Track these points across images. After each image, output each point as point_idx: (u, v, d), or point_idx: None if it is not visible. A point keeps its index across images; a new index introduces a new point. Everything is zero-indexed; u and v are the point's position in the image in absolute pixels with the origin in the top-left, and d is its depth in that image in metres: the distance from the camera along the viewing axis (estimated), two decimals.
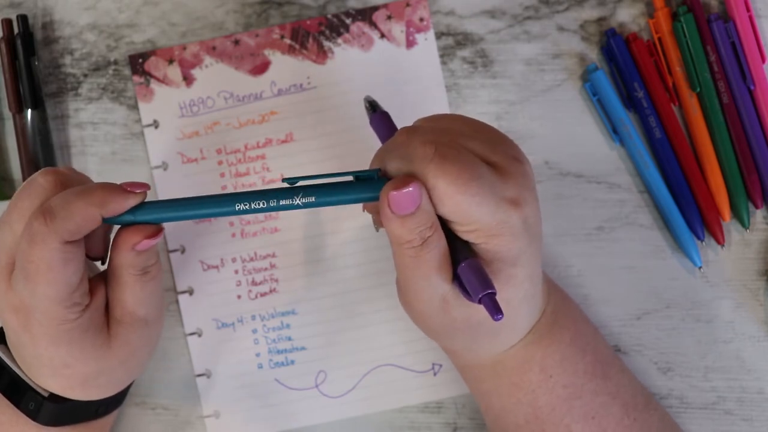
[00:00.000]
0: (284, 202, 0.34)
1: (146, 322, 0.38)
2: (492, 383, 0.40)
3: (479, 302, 0.32)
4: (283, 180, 0.35)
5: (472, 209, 0.32)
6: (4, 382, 0.38)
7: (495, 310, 0.31)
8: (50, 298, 0.34)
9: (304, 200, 0.34)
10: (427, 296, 0.35)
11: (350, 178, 0.34)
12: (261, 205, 0.34)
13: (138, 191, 0.35)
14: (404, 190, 0.32)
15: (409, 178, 0.32)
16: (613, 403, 0.39)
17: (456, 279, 0.34)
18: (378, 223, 0.38)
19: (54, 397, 0.38)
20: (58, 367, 0.37)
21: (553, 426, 0.39)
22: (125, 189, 0.34)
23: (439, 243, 0.33)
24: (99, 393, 0.39)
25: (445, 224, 0.34)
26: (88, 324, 0.36)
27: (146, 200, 0.35)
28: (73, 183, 0.36)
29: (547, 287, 0.40)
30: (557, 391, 0.38)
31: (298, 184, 0.34)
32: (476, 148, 0.34)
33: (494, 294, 0.32)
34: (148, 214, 0.35)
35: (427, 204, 0.33)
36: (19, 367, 0.38)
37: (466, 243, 0.34)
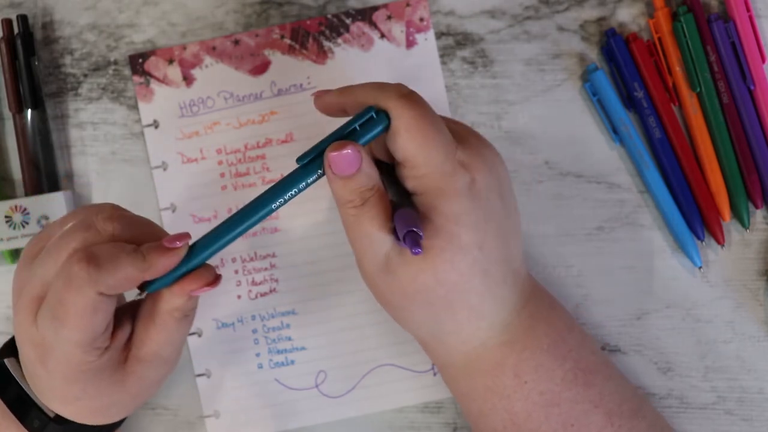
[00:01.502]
0: (311, 180, 0.35)
1: (167, 361, 0.38)
2: (467, 385, 0.39)
3: (403, 240, 0.33)
4: (298, 161, 0.36)
5: (424, 151, 0.34)
6: (10, 396, 0.38)
7: (413, 244, 0.32)
8: (73, 343, 0.34)
9: (321, 170, 0.36)
10: (371, 255, 0.36)
11: (351, 129, 0.35)
12: (294, 192, 0.35)
13: (179, 245, 0.35)
14: (344, 152, 0.34)
15: (348, 142, 0.34)
16: (595, 411, 0.38)
17: (393, 230, 0.35)
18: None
19: (60, 419, 0.38)
20: (69, 399, 0.36)
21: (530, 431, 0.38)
22: (166, 248, 0.34)
23: (380, 202, 0.35)
24: (107, 419, 0.39)
25: (392, 184, 0.36)
26: (106, 364, 0.36)
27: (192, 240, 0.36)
28: (132, 228, 0.35)
29: (531, 291, 0.39)
30: (533, 398, 0.38)
31: (309, 159, 0.35)
32: (443, 117, 0.36)
33: (416, 233, 0.32)
34: (198, 256, 0.35)
35: (368, 166, 0.34)
36: (28, 385, 0.38)
37: (409, 201, 0.35)
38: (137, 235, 0.35)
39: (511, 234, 0.37)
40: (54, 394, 0.37)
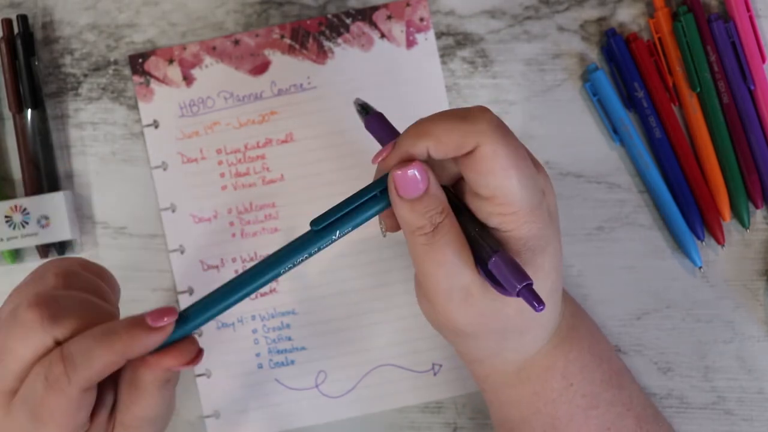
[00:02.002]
0: (325, 244, 0.33)
1: (155, 421, 0.35)
2: (514, 392, 0.39)
3: (517, 295, 0.30)
4: (312, 224, 0.33)
5: (520, 186, 0.31)
6: None
7: (536, 300, 0.30)
8: (53, 424, 0.32)
9: (339, 233, 0.33)
10: (446, 287, 0.33)
11: (372, 193, 0.33)
12: (305, 257, 0.33)
13: (164, 323, 0.32)
14: (409, 171, 0.31)
15: (413, 161, 0.32)
16: (628, 415, 0.38)
17: (482, 271, 0.33)
18: (385, 227, 0.37)
19: None
20: None
21: None
22: (149, 326, 0.32)
23: (452, 229, 0.32)
24: None
25: (463, 213, 0.33)
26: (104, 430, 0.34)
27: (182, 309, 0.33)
28: (79, 282, 0.34)
29: (565, 293, 0.40)
30: (576, 401, 0.38)
31: (326, 223, 0.33)
32: None
33: (531, 284, 0.30)
34: (185, 326, 0.33)
35: (436, 188, 0.32)
36: None
37: (488, 233, 0.33)
38: (85, 282, 0.34)
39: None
40: None
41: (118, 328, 0.32)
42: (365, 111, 0.39)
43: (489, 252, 0.32)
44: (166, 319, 0.32)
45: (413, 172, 0.31)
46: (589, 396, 0.38)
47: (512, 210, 0.31)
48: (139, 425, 0.35)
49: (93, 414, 0.34)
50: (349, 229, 0.33)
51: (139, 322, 0.32)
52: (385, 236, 0.38)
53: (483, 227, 0.33)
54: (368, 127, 0.39)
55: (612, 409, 0.38)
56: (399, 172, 0.31)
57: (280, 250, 0.33)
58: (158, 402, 0.34)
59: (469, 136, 0.31)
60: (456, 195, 0.34)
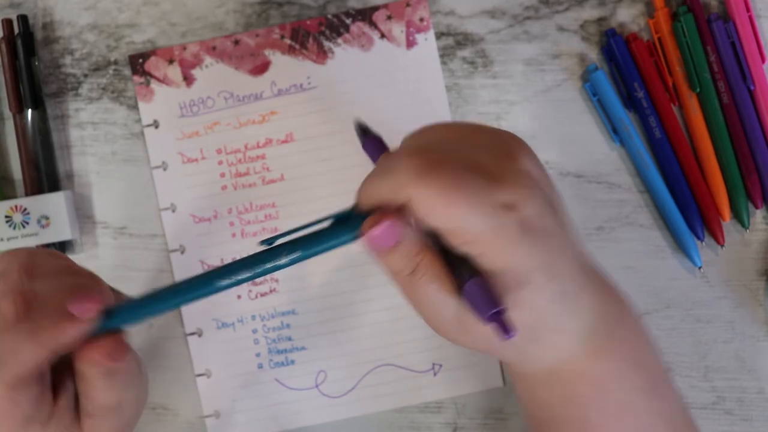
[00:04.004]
0: (269, 265, 0.33)
1: (120, 408, 0.36)
2: (545, 394, 0.37)
3: (488, 321, 0.30)
4: (261, 243, 0.33)
5: (461, 219, 0.31)
6: None
7: (504, 330, 0.30)
8: (7, 427, 0.32)
9: (288, 258, 0.33)
10: (440, 318, 0.34)
11: (327, 223, 0.34)
12: (246, 275, 0.32)
13: (86, 313, 0.32)
14: (378, 231, 0.32)
15: (382, 215, 0.32)
16: (663, 426, 0.37)
17: (466, 299, 0.33)
18: None
19: None
20: None
21: None
22: (73, 317, 0.32)
23: (431, 265, 0.33)
24: None
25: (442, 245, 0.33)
26: (63, 421, 0.34)
27: (123, 301, 0.33)
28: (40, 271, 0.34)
29: (603, 288, 0.37)
30: (610, 408, 0.36)
31: (277, 242, 0.33)
32: (464, 155, 0.33)
33: (502, 312, 0.30)
34: (120, 318, 0.33)
35: (408, 234, 0.32)
36: None
37: (466, 259, 0.33)
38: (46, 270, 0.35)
39: (572, 231, 0.35)
40: None
41: (44, 322, 0.32)
42: (364, 132, 0.39)
43: (465, 279, 0.32)
44: (88, 305, 0.32)
45: (381, 230, 0.32)
46: (624, 403, 0.36)
47: (467, 239, 0.31)
48: (102, 413, 0.35)
49: (56, 400, 0.34)
50: (299, 254, 0.33)
51: (63, 313, 0.32)
52: None
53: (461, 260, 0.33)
54: (365, 148, 0.39)
55: (646, 419, 0.37)
56: (371, 234, 0.32)
57: (224, 265, 0.33)
58: (110, 392, 0.34)
59: (395, 195, 0.31)
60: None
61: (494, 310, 0.30)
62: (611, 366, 0.36)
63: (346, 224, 0.33)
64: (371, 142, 0.38)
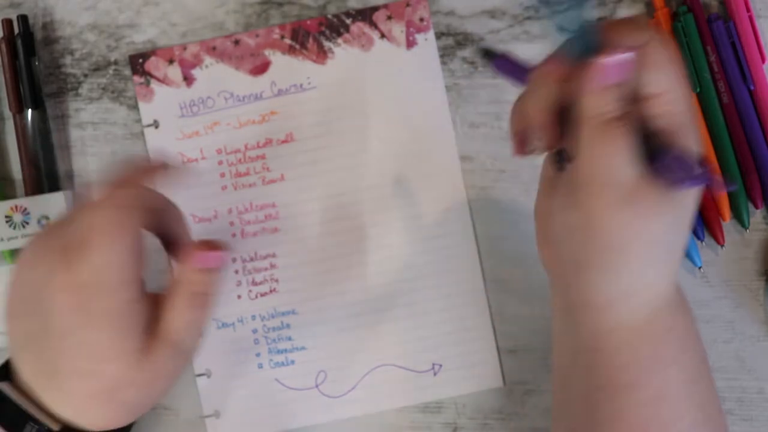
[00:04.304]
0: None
1: (181, 351, 0.38)
2: (630, 354, 0.36)
3: (691, 182, 0.31)
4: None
5: (681, 85, 0.33)
6: (8, 419, 0.37)
7: (718, 181, 0.31)
8: (115, 268, 0.35)
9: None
10: (614, 183, 0.32)
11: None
12: None
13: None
14: (620, 59, 0.32)
15: (626, 48, 0.32)
16: (715, 399, 0.38)
17: (657, 167, 0.32)
18: (519, 150, 0.37)
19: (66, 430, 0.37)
20: (95, 362, 0.36)
21: (671, 409, 0.36)
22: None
23: (632, 121, 0.32)
24: (116, 414, 0.38)
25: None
26: (138, 319, 0.36)
27: None
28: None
29: None
30: (688, 371, 0.36)
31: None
32: None
33: (708, 170, 0.31)
34: None
35: (633, 79, 0.32)
36: (31, 402, 0.37)
37: (655, 135, 0.33)
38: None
39: None
40: (78, 356, 0.36)
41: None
42: (493, 55, 0.39)
43: (661, 148, 0.32)
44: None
45: (621, 60, 0.32)
46: (695, 370, 0.37)
47: (675, 97, 0.33)
48: (169, 343, 0.37)
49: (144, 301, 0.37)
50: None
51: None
52: (562, 169, 0.37)
53: (652, 129, 0.33)
54: (500, 69, 0.39)
55: (707, 390, 0.37)
56: (609, 59, 0.32)
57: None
58: (188, 320, 0.38)
59: (650, 36, 0.33)
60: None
61: (701, 170, 0.31)
62: (690, 326, 0.37)
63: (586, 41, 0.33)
64: (500, 62, 0.39)
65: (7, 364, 0.39)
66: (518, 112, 0.37)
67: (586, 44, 0.33)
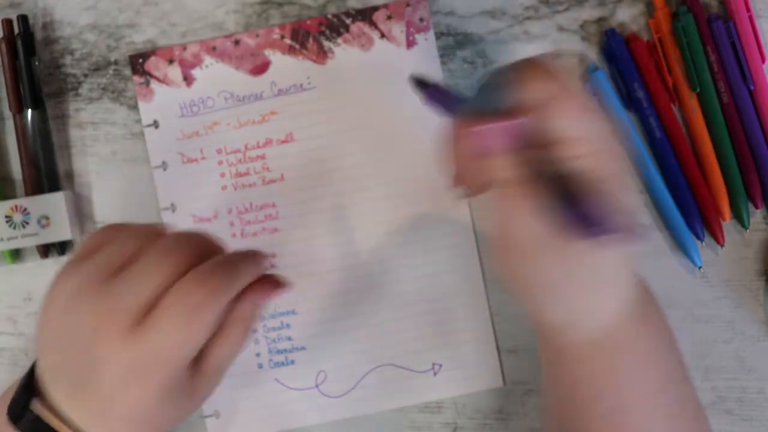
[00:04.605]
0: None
1: (220, 378, 0.38)
2: (588, 367, 0.37)
3: (609, 232, 0.31)
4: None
5: (588, 126, 0.32)
6: None
7: (627, 231, 0.30)
8: (191, 349, 0.34)
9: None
10: (519, 238, 0.33)
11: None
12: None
13: (263, 257, 0.37)
14: (512, 123, 0.32)
15: (518, 111, 0.32)
16: (689, 407, 0.38)
17: (569, 217, 0.32)
18: (471, 191, 0.37)
19: None
20: (143, 416, 0.35)
21: (639, 418, 0.36)
22: (254, 256, 0.36)
23: (537, 178, 0.32)
24: None
25: (546, 168, 0.33)
26: (189, 373, 0.36)
27: None
28: (213, 246, 0.36)
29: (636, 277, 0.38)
30: (650, 382, 0.36)
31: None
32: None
33: (622, 218, 0.31)
34: None
35: (530, 138, 0.32)
36: (60, 419, 0.36)
37: (573, 182, 0.32)
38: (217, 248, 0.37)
39: None
40: (122, 416, 0.35)
41: (236, 258, 0.35)
42: (422, 86, 0.38)
43: (572, 198, 0.32)
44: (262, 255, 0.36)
45: (511, 125, 0.32)
46: (660, 381, 0.37)
47: (584, 150, 0.32)
48: (212, 374, 0.37)
49: None
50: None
51: (245, 254, 0.36)
52: (462, 198, 0.38)
53: (565, 178, 0.33)
54: (430, 101, 0.38)
55: (679, 396, 0.37)
56: (501, 125, 0.32)
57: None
58: (234, 351, 0.37)
59: (558, 88, 0.32)
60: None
61: (614, 219, 0.31)
62: (652, 337, 0.37)
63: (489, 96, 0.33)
64: (431, 93, 0.38)
65: (32, 372, 0.37)
66: (446, 157, 0.36)
67: (489, 101, 0.33)
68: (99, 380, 0.34)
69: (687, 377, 0.39)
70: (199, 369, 0.36)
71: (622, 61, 0.47)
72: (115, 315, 0.33)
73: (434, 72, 0.49)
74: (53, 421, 0.35)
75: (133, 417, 0.35)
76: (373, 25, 0.49)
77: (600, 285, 0.35)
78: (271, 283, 0.36)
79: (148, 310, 0.33)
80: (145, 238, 0.35)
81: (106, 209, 0.49)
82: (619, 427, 0.37)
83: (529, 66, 0.34)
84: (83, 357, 0.34)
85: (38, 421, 0.36)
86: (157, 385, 0.34)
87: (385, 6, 0.49)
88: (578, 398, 0.38)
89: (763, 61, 0.47)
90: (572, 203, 0.32)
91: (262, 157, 0.49)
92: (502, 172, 0.33)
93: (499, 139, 0.32)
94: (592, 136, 0.32)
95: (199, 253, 0.35)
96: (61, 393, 0.36)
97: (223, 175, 0.49)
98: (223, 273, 0.34)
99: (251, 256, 0.36)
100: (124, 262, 0.34)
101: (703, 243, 0.47)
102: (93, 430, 0.36)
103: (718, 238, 0.47)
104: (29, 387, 0.37)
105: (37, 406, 0.36)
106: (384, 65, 0.49)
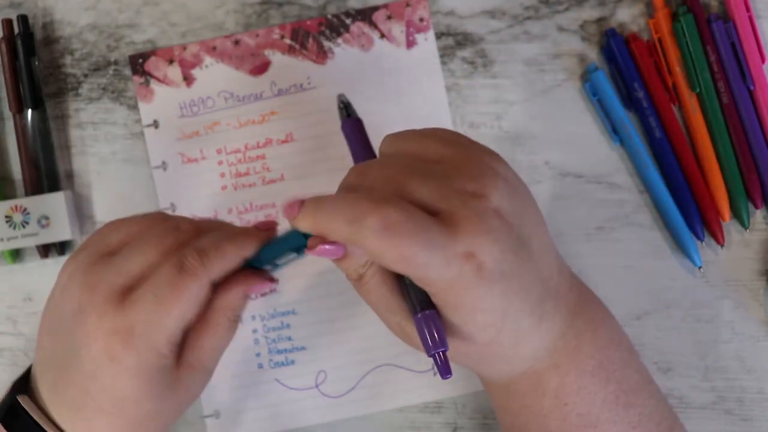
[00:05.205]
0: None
1: (208, 373, 0.38)
2: (503, 400, 0.39)
3: (431, 356, 0.32)
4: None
5: (420, 274, 0.31)
6: None
7: (443, 370, 0.31)
8: (167, 329, 0.34)
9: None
10: (386, 320, 0.36)
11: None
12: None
13: (269, 227, 0.37)
14: (323, 248, 0.32)
15: (323, 237, 0.32)
16: (647, 423, 0.37)
17: (415, 322, 0.33)
18: None
19: None
20: (122, 405, 0.35)
21: None
22: (257, 230, 0.37)
23: (375, 279, 0.34)
24: None
25: None
26: (171, 363, 0.36)
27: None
28: (205, 231, 0.37)
29: (576, 303, 0.37)
30: (570, 419, 0.36)
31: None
32: (426, 196, 0.32)
33: (444, 351, 0.31)
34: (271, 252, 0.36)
35: (356, 250, 0.32)
36: (46, 418, 0.37)
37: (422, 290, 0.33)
38: (209, 229, 0.37)
39: (543, 254, 0.34)
40: (103, 399, 0.35)
41: (235, 230, 0.37)
42: (347, 112, 0.39)
43: (417, 308, 0.32)
44: (265, 228, 0.37)
45: (326, 247, 0.32)
46: (586, 416, 0.36)
47: (425, 283, 0.32)
48: (199, 369, 0.37)
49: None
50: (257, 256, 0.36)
51: (246, 228, 0.37)
52: None
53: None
54: (343, 129, 0.39)
55: (613, 428, 0.37)
56: (317, 249, 0.32)
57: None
58: (220, 344, 0.37)
59: (354, 237, 0.31)
60: None
61: (437, 350, 0.31)
62: (572, 380, 0.36)
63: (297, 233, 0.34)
64: (350, 124, 0.39)
65: (29, 373, 0.38)
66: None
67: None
68: (80, 359, 0.35)
69: (635, 399, 0.38)
70: (184, 361, 0.36)
71: (622, 61, 0.47)
72: (99, 289, 0.35)
73: (434, 72, 0.49)
74: (37, 415, 0.36)
75: (113, 407, 0.36)
76: (373, 25, 0.49)
77: (489, 362, 0.36)
78: (256, 276, 0.36)
79: (131, 288, 0.35)
80: (143, 224, 0.37)
81: (106, 209, 0.49)
82: None
83: (346, 210, 0.32)
84: (69, 336, 0.35)
85: (25, 416, 0.36)
86: (135, 367, 0.34)
87: (385, 6, 0.49)
88: (503, 424, 0.40)
89: (763, 61, 0.47)
90: (416, 317, 0.33)
91: (262, 157, 0.49)
92: (345, 269, 0.34)
93: (333, 252, 0.33)
94: (420, 276, 0.31)
95: (189, 239, 0.36)
96: (46, 386, 0.37)
97: (223, 175, 0.49)
98: (201, 256, 0.34)
99: (238, 239, 0.36)
100: (117, 246, 0.36)
101: (703, 243, 0.47)
102: (73, 426, 0.36)
103: (718, 238, 0.47)
104: (19, 384, 0.38)
105: (25, 403, 0.37)
106: (384, 65, 0.49)
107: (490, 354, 0.35)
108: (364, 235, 0.30)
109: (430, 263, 0.30)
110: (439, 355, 0.31)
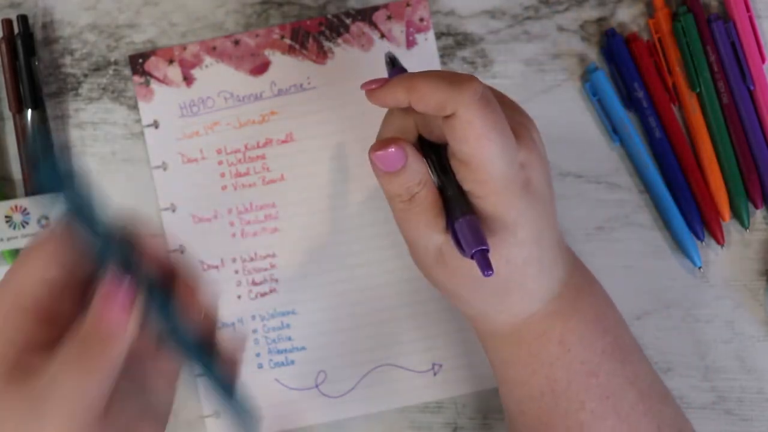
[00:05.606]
0: None
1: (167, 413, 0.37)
2: (510, 352, 0.39)
3: (472, 258, 0.32)
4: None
5: (492, 157, 0.32)
6: None
7: (485, 266, 0.32)
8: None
9: None
10: (422, 248, 0.36)
11: None
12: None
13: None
14: (389, 150, 0.34)
15: (392, 140, 0.34)
16: (630, 389, 0.38)
17: (452, 234, 0.35)
18: None
19: None
20: None
21: (568, 401, 0.38)
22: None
23: (428, 196, 0.35)
24: None
25: (447, 177, 0.35)
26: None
27: None
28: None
29: (573, 264, 0.40)
30: (574, 366, 0.38)
31: None
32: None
33: (486, 251, 0.32)
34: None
35: (415, 162, 0.34)
36: None
37: (466, 199, 0.35)
38: None
39: (555, 213, 0.38)
40: None
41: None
42: (393, 64, 0.40)
43: (458, 215, 0.34)
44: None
45: (391, 150, 0.34)
46: (588, 364, 0.38)
47: (483, 178, 0.33)
48: (165, 415, 0.37)
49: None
50: None
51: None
52: None
53: (461, 190, 0.35)
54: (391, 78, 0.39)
55: (613, 380, 0.38)
56: (380, 153, 0.34)
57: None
58: (173, 389, 0.37)
59: (449, 101, 0.32)
60: (444, 156, 0.36)
61: (479, 248, 0.32)
62: (574, 327, 0.38)
63: None
64: (398, 72, 0.39)
65: None
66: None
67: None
68: None
69: (629, 355, 0.39)
70: (145, 415, 0.35)
71: (622, 61, 0.47)
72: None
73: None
74: None
75: None
76: (373, 25, 0.49)
77: (508, 290, 0.37)
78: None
79: None
80: None
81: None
82: (552, 409, 0.38)
83: (449, 76, 0.33)
84: None
85: None
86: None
87: (385, 6, 0.49)
88: (508, 381, 0.41)
89: (763, 61, 0.47)
90: (454, 219, 0.34)
91: (262, 157, 0.49)
92: (394, 190, 0.35)
93: (393, 160, 0.34)
94: (484, 167, 0.33)
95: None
96: None
97: (223, 175, 0.49)
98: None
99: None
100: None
101: (703, 243, 0.47)
102: None
103: (718, 238, 0.47)
104: None
105: None
106: (384, 65, 0.49)
107: (514, 284, 0.36)
108: (464, 98, 0.32)
109: (503, 153, 0.33)
110: (481, 253, 0.32)
